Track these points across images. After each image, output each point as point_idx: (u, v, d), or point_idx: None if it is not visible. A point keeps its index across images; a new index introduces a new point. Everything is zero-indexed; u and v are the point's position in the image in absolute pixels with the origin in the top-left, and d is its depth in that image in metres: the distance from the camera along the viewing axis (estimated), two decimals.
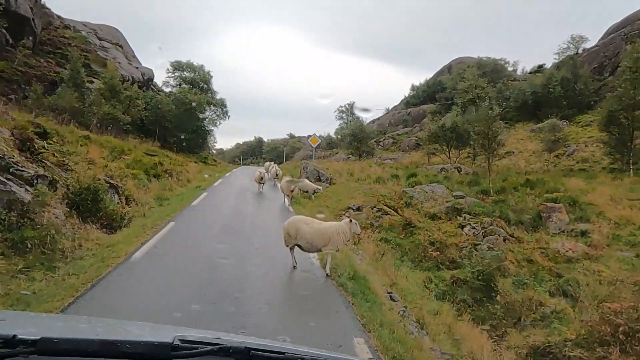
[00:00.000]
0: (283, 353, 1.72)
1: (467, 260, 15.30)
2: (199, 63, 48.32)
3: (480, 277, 13.12)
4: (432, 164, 34.12)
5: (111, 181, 18.95)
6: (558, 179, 24.71)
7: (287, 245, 10.59)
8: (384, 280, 12.37)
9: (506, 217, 18.23)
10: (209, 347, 1.64)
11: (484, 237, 17.15)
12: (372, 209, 19.64)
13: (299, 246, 10.50)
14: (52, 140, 21.80)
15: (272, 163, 29.83)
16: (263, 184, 22.24)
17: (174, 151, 41.22)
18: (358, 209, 19.80)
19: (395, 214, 19.41)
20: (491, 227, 17.50)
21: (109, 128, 36.36)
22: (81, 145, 23.51)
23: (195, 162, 40.14)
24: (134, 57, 50.88)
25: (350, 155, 49.02)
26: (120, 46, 50.28)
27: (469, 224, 17.90)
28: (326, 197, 22.42)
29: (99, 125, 34.81)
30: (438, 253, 15.78)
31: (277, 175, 24.63)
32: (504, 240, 16.71)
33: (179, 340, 1.67)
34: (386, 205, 19.92)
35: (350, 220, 10.94)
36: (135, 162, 24.47)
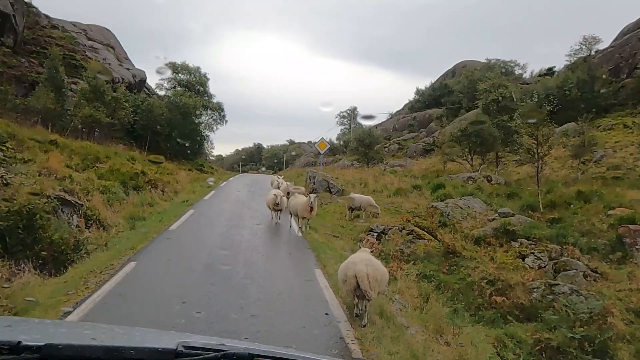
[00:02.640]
0: (287, 359, 1.65)
1: (548, 310, 10.55)
2: (194, 65, 43.55)
3: (590, 348, 8.35)
4: (449, 171, 29.41)
5: (68, 197, 14.20)
6: (611, 190, 19.99)
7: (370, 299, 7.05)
8: (444, 351, 7.69)
9: (575, 243, 13.48)
10: (213, 354, 1.57)
11: (555, 272, 12.41)
12: (400, 230, 14.87)
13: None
14: (4, 146, 17.13)
15: (279, 177, 21.55)
16: (280, 210, 14.92)
17: (167, 158, 36.42)
18: (383, 232, 15.03)
19: (431, 237, 14.67)
20: (563, 258, 12.75)
21: (96, 133, 31.68)
22: (44, 152, 18.77)
23: (189, 170, 35.29)
24: (127, 58, 46.15)
25: (355, 162, 44.32)
26: (112, 47, 45.56)
27: (532, 253, 13.14)
28: (340, 215, 17.64)
29: (84, 129, 30.12)
30: (503, 298, 11.01)
31: (289, 194, 17.41)
32: (585, 276, 11.97)
33: (183, 346, 1.59)
34: (417, 226, 15.16)
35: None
36: (111, 172, 19.66)
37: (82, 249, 12.26)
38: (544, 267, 12.67)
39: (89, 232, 13.39)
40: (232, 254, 10.59)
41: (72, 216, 13.88)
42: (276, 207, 14.58)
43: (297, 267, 10.18)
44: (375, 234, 14.85)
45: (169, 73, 42.42)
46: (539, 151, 18.29)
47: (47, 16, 44.33)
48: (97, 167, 20.01)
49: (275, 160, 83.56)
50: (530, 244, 13.65)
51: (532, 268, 12.65)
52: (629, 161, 30.78)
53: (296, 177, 33.12)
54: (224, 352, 1.58)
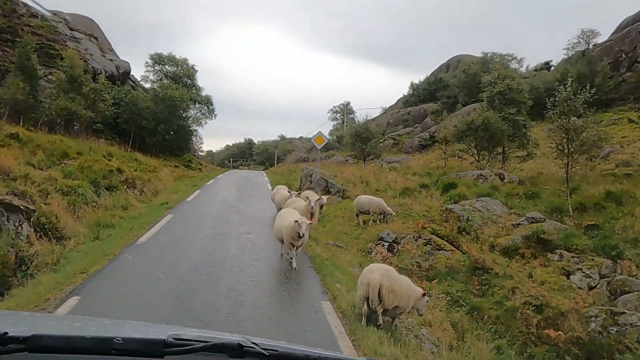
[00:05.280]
0: (276, 350, 1.62)
1: (614, 346, 8.05)
2: (182, 56, 40.55)
3: None
4: (451, 167, 26.92)
5: (16, 202, 11.44)
6: (634, 188, 17.62)
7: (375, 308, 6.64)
8: None
9: (631, 257, 11.00)
10: (202, 344, 1.54)
11: (611, 293, 9.93)
12: (415, 240, 12.30)
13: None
14: None
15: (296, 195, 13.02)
16: (299, 247, 9.20)
17: (152, 154, 33.53)
18: (395, 241, 12.44)
19: (452, 247, 12.12)
20: (617, 274, 10.28)
21: (75, 127, 28.68)
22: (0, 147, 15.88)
23: (176, 167, 32.42)
24: (111, 49, 43.00)
25: (349, 158, 41.75)
26: (95, 37, 42.33)
27: (579, 269, 10.64)
28: (342, 219, 15.02)
29: (61, 122, 27.12)
30: (559, 332, 8.49)
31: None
32: None
33: (173, 337, 1.56)
34: (435, 234, 12.61)
35: None
36: (81, 170, 16.83)
37: (28, 269, 9.60)
38: (596, 287, 10.18)
39: (41, 244, 10.65)
40: (212, 279, 7.91)
41: (20, 225, 11.12)
42: (296, 241, 8.79)
43: (297, 298, 7.54)
44: (387, 244, 12.27)
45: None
46: (569, 147, 15.82)
47: (25, 4, 41.01)
48: (64, 164, 17.17)
49: (266, 156, 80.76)
50: (573, 257, 11.15)
51: (581, 288, 10.16)
52: (638, 157, 28.55)
53: (288, 174, 30.44)
54: (213, 342, 1.54)
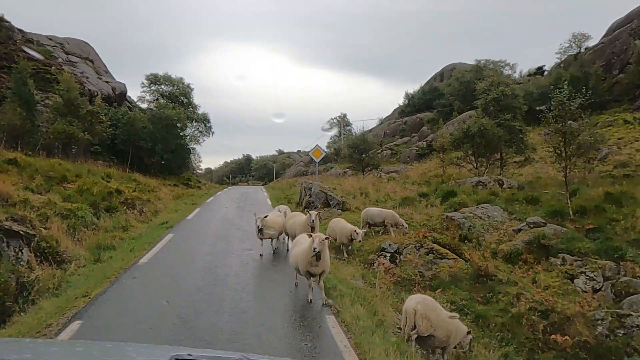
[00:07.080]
0: None
1: (621, 349, 7.99)
2: (177, 76, 40.81)
3: None
4: (450, 175, 26.95)
5: (16, 227, 11.39)
6: (635, 189, 17.64)
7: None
8: None
9: (633, 258, 10.97)
10: None
11: (615, 296, 9.89)
12: (417, 249, 12.27)
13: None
14: None
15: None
16: (321, 275, 7.78)
17: (151, 174, 33.55)
18: (397, 252, 12.41)
19: (454, 255, 12.08)
20: (620, 276, 10.24)
21: (73, 150, 28.76)
22: None
23: (175, 186, 32.41)
24: (106, 72, 43.29)
25: (347, 169, 41.81)
26: (91, 60, 42.67)
27: (583, 272, 10.60)
28: None
29: (59, 146, 27.24)
30: (565, 337, 8.43)
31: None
32: None
33: (175, 359, 1.54)
34: (437, 243, 12.58)
35: None
36: (80, 192, 16.84)
37: (29, 294, 9.53)
38: (600, 289, 10.14)
39: (42, 269, 10.59)
40: (215, 298, 7.87)
41: (21, 250, 11.07)
42: (314, 266, 7.61)
43: (301, 313, 7.49)
44: (389, 255, 12.23)
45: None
46: (567, 150, 15.87)
47: (20, 30, 41.50)
48: (63, 187, 17.17)
49: (265, 171, 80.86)
50: (576, 261, 11.12)
51: (585, 292, 10.11)
52: (636, 157, 28.64)
53: (288, 188, 30.45)
54: None
